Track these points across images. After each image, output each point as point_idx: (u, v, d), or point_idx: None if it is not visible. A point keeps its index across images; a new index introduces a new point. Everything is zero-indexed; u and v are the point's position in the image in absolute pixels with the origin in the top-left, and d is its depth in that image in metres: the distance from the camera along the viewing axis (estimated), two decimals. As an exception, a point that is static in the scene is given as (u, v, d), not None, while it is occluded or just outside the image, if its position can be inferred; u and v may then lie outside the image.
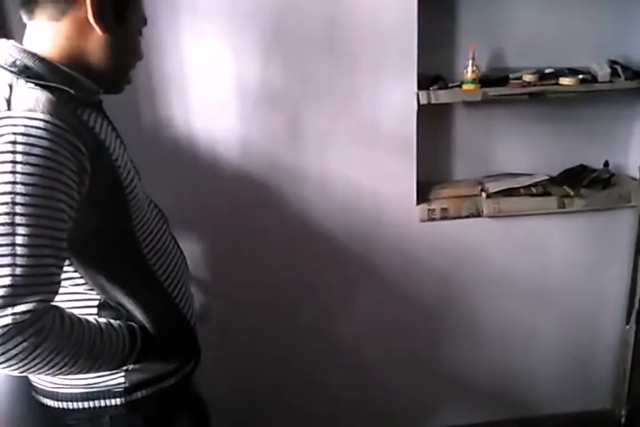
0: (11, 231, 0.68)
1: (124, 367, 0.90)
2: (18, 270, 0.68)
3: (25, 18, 0.85)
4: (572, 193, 1.65)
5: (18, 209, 0.69)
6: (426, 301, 1.74)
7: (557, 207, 1.65)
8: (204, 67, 1.46)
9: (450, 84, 1.58)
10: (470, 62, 1.53)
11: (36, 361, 0.70)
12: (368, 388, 1.80)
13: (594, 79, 1.59)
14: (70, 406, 0.93)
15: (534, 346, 1.83)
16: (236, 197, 1.56)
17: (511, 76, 1.61)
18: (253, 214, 1.59)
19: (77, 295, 0.88)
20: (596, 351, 1.87)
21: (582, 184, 1.68)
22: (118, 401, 0.93)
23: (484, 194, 1.66)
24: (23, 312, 0.67)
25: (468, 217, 1.65)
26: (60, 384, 0.92)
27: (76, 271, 0.85)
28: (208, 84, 1.47)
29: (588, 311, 1.82)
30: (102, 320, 0.85)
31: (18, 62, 0.80)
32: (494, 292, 1.75)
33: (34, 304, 0.69)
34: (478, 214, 1.65)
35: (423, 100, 1.51)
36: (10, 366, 0.69)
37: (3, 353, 0.67)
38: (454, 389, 1.85)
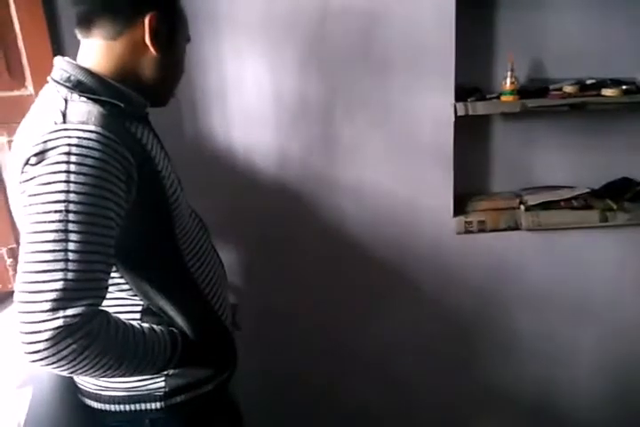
0: (64, 238, 0.71)
1: (165, 372, 0.92)
2: (70, 275, 0.71)
3: (80, 35, 0.90)
4: (614, 206, 1.61)
5: (71, 217, 0.72)
6: (461, 314, 1.71)
7: (599, 221, 1.61)
8: (243, 81, 1.49)
9: (488, 96, 1.58)
10: (509, 73, 1.52)
11: (84, 363, 0.73)
12: (398, 403, 1.77)
13: (638, 90, 1.56)
14: (112, 409, 0.96)
15: (575, 362, 1.78)
16: (272, 206, 1.58)
17: (551, 87, 1.59)
18: (289, 224, 1.60)
19: (122, 301, 0.91)
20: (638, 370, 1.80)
21: (625, 197, 1.63)
22: (158, 405, 0.95)
23: (522, 207, 1.63)
24: (74, 315, 0.70)
25: (505, 230, 1.63)
26: (103, 387, 0.95)
27: (121, 277, 0.88)
28: (247, 97, 1.50)
29: (632, 328, 1.75)
30: (145, 325, 0.88)
31: (72, 78, 0.85)
32: (533, 307, 1.71)
33: (83, 308, 0.71)
34: (517, 227, 1.62)
35: (461, 112, 1.50)
36: (60, 366, 0.72)
37: (54, 354, 0.70)
38: (490, 406, 1.81)
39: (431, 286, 1.68)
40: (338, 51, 1.48)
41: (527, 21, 1.59)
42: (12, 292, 1.17)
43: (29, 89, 1.20)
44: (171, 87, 0.98)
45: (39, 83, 1.11)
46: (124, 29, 0.86)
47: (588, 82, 1.59)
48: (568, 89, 1.56)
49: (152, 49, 0.87)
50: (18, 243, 1.19)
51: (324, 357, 1.71)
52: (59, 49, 1.24)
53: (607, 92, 1.53)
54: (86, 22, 0.87)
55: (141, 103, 0.92)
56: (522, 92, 1.55)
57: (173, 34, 0.91)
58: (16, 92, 1.18)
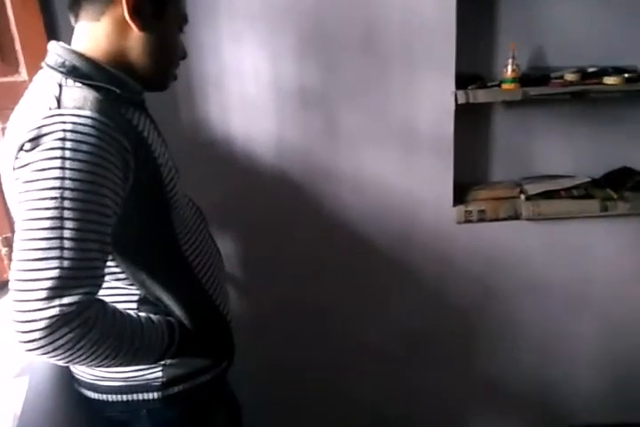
0: (59, 225, 0.70)
1: (162, 362, 0.92)
2: (65, 263, 0.70)
3: (72, 21, 0.88)
4: (615, 196, 1.60)
5: (66, 204, 0.71)
6: (461, 304, 1.71)
7: (600, 211, 1.60)
8: (241, 67, 1.47)
9: (489, 84, 1.56)
10: (510, 61, 1.51)
11: (81, 352, 0.72)
12: (399, 393, 1.78)
13: (639, 78, 1.54)
14: (109, 399, 0.95)
15: (574, 353, 1.78)
16: (271, 195, 1.57)
17: (552, 75, 1.57)
18: (287, 213, 1.59)
19: (119, 290, 0.90)
20: (639, 360, 1.80)
21: (626, 187, 1.62)
22: (155, 395, 0.94)
23: (522, 196, 1.62)
24: (70, 304, 0.69)
25: (506, 219, 1.62)
26: (100, 377, 0.94)
27: (117, 266, 0.87)
28: (245, 84, 1.49)
29: (631, 318, 1.75)
30: (142, 315, 0.87)
31: (66, 63, 0.83)
32: (533, 296, 1.71)
33: (80, 296, 0.70)
34: (517, 217, 1.62)
35: (461, 100, 1.49)
36: (56, 355, 0.71)
37: (50, 343, 0.69)
38: (490, 395, 1.81)
39: (431, 276, 1.67)
40: (337, 38, 1.46)
41: (529, 9, 1.57)
42: (7, 281, 1.17)
43: (23, 75, 1.18)
44: (166, 69, 0.93)
45: (33, 68, 1.09)
46: (105, 8, 0.83)
47: (590, 70, 1.58)
48: (569, 77, 1.54)
49: (134, 26, 0.84)
50: (13, 231, 1.17)
51: (323, 346, 1.71)
52: (53, 34, 1.22)
53: (609, 80, 1.52)
54: (74, 6, 0.85)
55: (137, 89, 0.89)
56: (523, 80, 1.54)
57: (160, 9, 0.87)
58: (9, 78, 1.16)
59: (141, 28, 0.85)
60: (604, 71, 1.56)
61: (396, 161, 1.56)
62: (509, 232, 1.64)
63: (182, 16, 0.94)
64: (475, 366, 1.78)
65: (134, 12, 0.83)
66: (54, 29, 1.25)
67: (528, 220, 1.62)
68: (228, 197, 1.54)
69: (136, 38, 0.86)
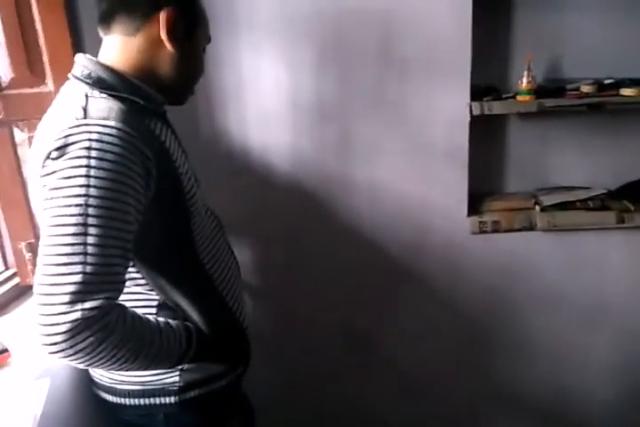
0: (83, 231, 0.72)
1: (179, 367, 0.93)
2: (88, 269, 0.72)
3: (101, 33, 0.91)
4: (631, 208, 1.58)
5: (90, 211, 0.73)
6: (474, 314, 1.70)
7: (616, 222, 1.59)
8: (259, 80, 1.50)
9: (504, 95, 1.56)
10: (526, 73, 1.51)
11: (101, 355, 0.74)
12: (411, 401, 1.77)
13: (657, 90, 1.54)
14: (127, 402, 0.97)
15: (588, 365, 1.76)
16: (287, 205, 1.59)
17: (568, 86, 1.57)
18: (302, 223, 1.61)
19: (138, 295, 0.92)
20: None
21: (643, 199, 1.61)
22: (172, 399, 0.96)
23: (537, 207, 1.62)
24: (92, 308, 0.71)
25: (520, 230, 1.61)
26: (118, 380, 0.96)
27: (138, 272, 0.89)
28: (263, 96, 1.51)
29: (647, 331, 1.73)
30: (161, 320, 0.88)
31: (92, 74, 0.86)
32: (547, 308, 1.70)
33: (101, 301, 0.72)
34: (531, 228, 1.61)
35: (476, 112, 1.49)
36: (77, 358, 0.73)
37: (71, 346, 0.71)
38: (501, 406, 1.80)
39: (444, 286, 1.67)
40: (354, 50, 1.48)
41: (544, 20, 1.57)
42: (31, 286, 1.20)
43: (49, 86, 1.21)
44: (188, 85, 0.98)
45: (59, 80, 1.13)
46: (142, 25, 0.87)
47: (607, 82, 1.57)
48: (586, 89, 1.54)
49: (168, 45, 0.88)
50: (36, 238, 1.20)
51: (338, 355, 1.72)
52: (78, 47, 1.26)
53: (626, 91, 1.51)
54: (107, 19, 0.88)
55: (160, 100, 0.93)
56: (538, 91, 1.54)
57: (191, 31, 0.92)
58: (36, 89, 1.20)
59: (174, 47, 0.89)
60: (621, 83, 1.55)
61: (411, 171, 1.57)
62: (524, 243, 1.64)
63: (207, 37, 0.99)
64: (488, 377, 1.76)
65: (170, 32, 0.87)
66: (80, 42, 1.29)
67: (543, 231, 1.61)
68: (245, 207, 1.55)
69: (166, 55, 0.90)
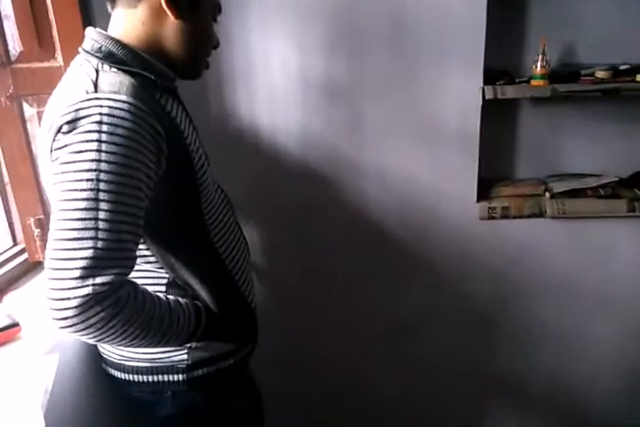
0: (94, 206, 0.72)
1: (188, 345, 0.93)
2: (99, 244, 0.71)
3: (109, 7, 0.90)
4: (643, 196, 1.58)
5: (102, 186, 0.72)
6: (481, 300, 1.70)
7: (627, 211, 1.57)
8: (269, 60, 1.48)
9: (517, 80, 1.54)
10: (540, 57, 1.48)
11: (111, 331, 0.74)
12: (417, 389, 1.78)
13: (674, 76, 1.51)
14: (135, 379, 0.97)
15: (595, 351, 1.76)
16: (296, 185, 1.58)
17: (583, 72, 1.55)
18: (311, 203, 1.60)
19: (148, 273, 0.92)
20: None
21: (655, 187, 1.60)
22: (180, 377, 0.96)
23: (547, 194, 1.60)
24: (103, 284, 0.71)
25: (529, 217, 1.60)
26: (127, 357, 0.96)
27: (148, 250, 0.89)
28: (273, 76, 1.49)
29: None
30: (171, 297, 0.88)
31: (103, 48, 0.85)
32: (554, 296, 1.69)
33: (112, 277, 0.72)
34: (541, 215, 1.60)
35: (489, 95, 1.47)
36: (87, 333, 0.73)
37: (82, 321, 0.71)
38: (510, 396, 1.81)
39: (452, 271, 1.67)
40: (366, 32, 1.46)
41: (559, 4, 1.54)
42: (40, 262, 1.20)
43: (59, 60, 1.20)
44: (199, 58, 0.95)
45: (69, 54, 1.11)
46: None
47: (622, 67, 1.55)
48: (600, 74, 1.51)
49: (170, 13, 0.85)
50: (45, 214, 1.20)
51: (342, 339, 1.72)
52: (88, 21, 1.24)
53: (642, 77, 1.49)
54: None
55: (169, 75, 0.91)
56: (552, 76, 1.51)
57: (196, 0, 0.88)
58: (46, 64, 1.18)
59: (177, 15, 0.86)
60: (637, 69, 1.53)
61: (421, 155, 1.56)
62: (533, 230, 1.63)
63: (216, 6, 0.96)
64: (495, 366, 1.77)
65: (170, 0, 0.85)
66: (90, 16, 1.27)
67: (552, 218, 1.60)
68: (253, 186, 1.55)
69: (171, 26, 0.87)
